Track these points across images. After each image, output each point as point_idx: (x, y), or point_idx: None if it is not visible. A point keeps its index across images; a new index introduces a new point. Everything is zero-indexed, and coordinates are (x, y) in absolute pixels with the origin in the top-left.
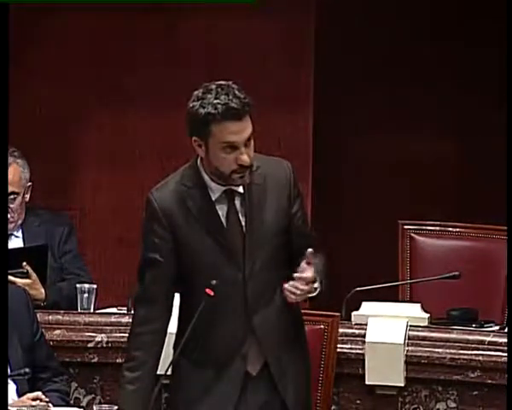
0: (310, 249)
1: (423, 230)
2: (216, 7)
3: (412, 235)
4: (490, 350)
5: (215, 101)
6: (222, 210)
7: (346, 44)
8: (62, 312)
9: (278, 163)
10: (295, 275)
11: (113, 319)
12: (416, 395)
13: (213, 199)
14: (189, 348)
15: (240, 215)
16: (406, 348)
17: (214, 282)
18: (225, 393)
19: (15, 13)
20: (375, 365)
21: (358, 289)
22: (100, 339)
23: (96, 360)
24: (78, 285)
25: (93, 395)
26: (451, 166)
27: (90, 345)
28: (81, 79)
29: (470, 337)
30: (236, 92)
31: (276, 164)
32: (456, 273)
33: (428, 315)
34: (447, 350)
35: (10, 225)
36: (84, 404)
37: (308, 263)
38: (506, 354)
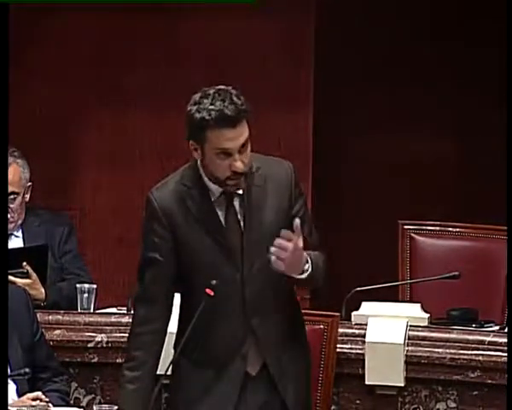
0: (297, 220)
1: (423, 230)
2: (216, 7)
3: (412, 235)
4: (490, 350)
5: (210, 107)
6: (221, 210)
7: (346, 44)
8: (62, 312)
9: (279, 164)
10: (277, 241)
11: (113, 319)
12: (416, 395)
13: (212, 199)
14: (189, 347)
15: (239, 216)
16: (406, 348)
17: (214, 282)
18: (225, 393)
19: (15, 13)
20: (375, 365)
21: (358, 289)
22: (100, 339)
23: (96, 360)
24: (78, 285)
25: (93, 395)
26: (451, 166)
27: (90, 345)
28: (81, 79)
29: (470, 337)
30: (234, 98)
31: (277, 165)
32: (456, 273)
33: (428, 315)
34: (447, 350)
35: (10, 225)
36: (84, 404)
37: (297, 234)
38: (506, 354)
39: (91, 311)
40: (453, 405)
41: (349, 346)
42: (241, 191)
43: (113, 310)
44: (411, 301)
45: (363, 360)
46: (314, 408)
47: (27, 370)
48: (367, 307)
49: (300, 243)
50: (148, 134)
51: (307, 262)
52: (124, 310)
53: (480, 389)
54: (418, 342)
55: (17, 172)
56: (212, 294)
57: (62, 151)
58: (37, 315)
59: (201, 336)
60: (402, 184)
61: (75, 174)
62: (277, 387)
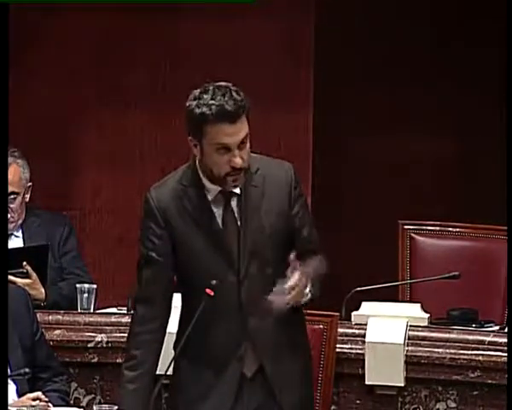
0: (291, 256)
1: (423, 230)
2: (216, 7)
3: (412, 235)
4: (490, 350)
5: (210, 102)
6: (218, 211)
7: (346, 44)
8: (62, 312)
9: (279, 165)
10: (274, 289)
11: (113, 319)
12: (416, 395)
13: (210, 199)
14: (188, 348)
15: (236, 216)
16: (406, 348)
17: (214, 282)
18: (222, 394)
19: (15, 13)
20: (375, 365)
21: (358, 289)
22: (100, 339)
23: (96, 360)
24: (78, 285)
25: (93, 395)
26: (451, 166)
27: (90, 345)
28: (81, 79)
29: (470, 337)
30: (233, 94)
31: (276, 166)
32: (456, 273)
33: (428, 315)
34: (447, 350)
35: (10, 225)
36: (84, 404)
37: (292, 269)
38: (506, 354)
39: (91, 311)
40: (453, 405)
41: (349, 346)
42: (238, 191)
43: (113, 310)
44: (411, 301)
45: (363, 360)
46: (314, 408)
47: (27, 370)
48: (367, 307)
49: (293, 283)
50: (148, 134)
51: (309, 288)
52: (124, 310)
53: (480, 389)
54: (418, 342)
55: (17, 172)
56: (212, 294)
57: (62, 151)
58: (37, 315)
59: (201, 336)
60: (402, 184)
61: (75, 174)
62: (273, 390)
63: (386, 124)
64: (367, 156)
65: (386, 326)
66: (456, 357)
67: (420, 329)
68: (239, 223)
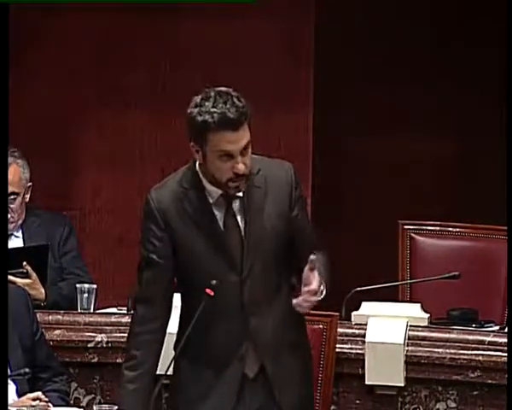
0: (312, 256)
1: (423, 230)
2: (216, 7)
3: (412, 235)
4: (490, 350)
5: (212, 109)
6: (219, 213)
7: (346, 44)
8: (62, 312)
9: (280, 165)
10: (305, 289)
11: (113, 319)
12: (416, 395)
13: (211, 202)
14: (189, 348)
15: (238, 218)
16: (406, 348)
17: (214, 282)
18: (223, 395)
19: (15, 13)
20: (375, 365)
21: (358, 289)
22: (100, 339)
23: (96, 360)
24: (78, 285)
25: (93, 395)
26: (451, 166)
27: (90, 345)
28: (81, 79)
29: (470, 337)
30: (235, 101)
31: (277, 166)
32: (456, 273)
33: (428, 315)
34: (447, 350)
35: (10, 226)
36: (84, 404)
37: (311, 269)
38: (506, 354)
39: (91, 311)
40: (453, 405)
41: (349, 346)
42: (240, 193)
43: (113, 310)
44: (411, 301)
45: (363, 360)
46: (314, 408)
47: (27, 370)
48: (367, 307)
49: (318, 284)
50: (148, 134)
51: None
52: (124, 310)
53: (480, 389)
54: (418, 342)
55: (17, 172)
56: (212, 294)
57: (62, 151)
58: (37, 315)
59: (201, 336)
60: (402, 184)
61: (75, 174)
62: (274, 390)
63: (387, 124)
64: (367, 156)
65: (386, 326)
66: (456, 357)
67: (420, 329)
68: (241, 224)
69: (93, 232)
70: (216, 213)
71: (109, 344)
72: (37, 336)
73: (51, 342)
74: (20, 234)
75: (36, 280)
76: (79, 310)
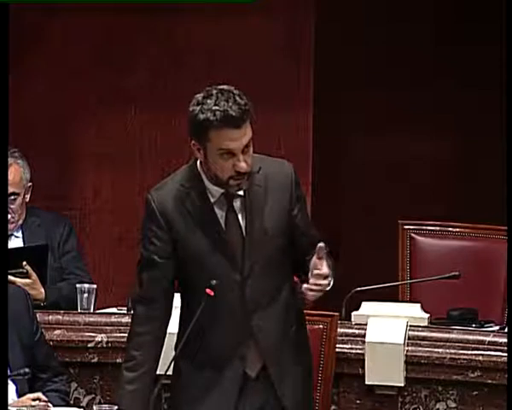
0: (321, 244)
1: (423, 230)
2: (216, 7)
3: (412, 235)
4: (490, 350)
5: (214, 107)
6: (221, 212)
7: (346, 44)
8: (62, 312)
9: (280, 165)
10: (315, 272)
11: (113, 319)
12: (416, 395)
13: (212, 201)
14: (189, 348)
15: (239, 217)
16: (406, 348)
17: (214, 282)
18: (224, 394)
19: (15, 13)
20: (375, 365)
21: (358, 289)
22: (100, 339)
23: (95, 360)
24: (78, 285)
25: (93, 395)
26: (451, 166)
27: (90, 345)
28: (81, 79)
29: (470, 337)
30: (237, 98)
31: (278, 165)
32: (456, 273)
33: (428, 315)
34: (447, 350)
35: (11, 226)
36: (84, 404)
37: (319, 258)
38: (506, 354)
39: (91, 311)
40: (453, 405)
41: (349, 346)
42: (241, 192)
43: (113, 310)
44: (411, 301)
45: (363, 360)
46: (314, 408)
47: (27, 370)
48: (367, 307)
49: (327, 269)
50: (148, 134)
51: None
52: (124, 310)
53: (480, 389)
54: (418, 342)
55: (18, 172)
56: (212, 294)
57: (62, 151)
58: (37, 315)
59: (202, 336)
60: (402, 184)
61: (75, 174)
62: (276, 389)
63: (387, 124)
64: (367, 156)
65: (386, 326)
66: (456, 357)
67: (420, 329)
68: (242, 223)
69: (93, 232)
70: (217, 212)
71: (109, 344)
72: (37, 336)
73: (51, 342)
74: (20, 234)
75: (36, 280)
76: (79, 310)
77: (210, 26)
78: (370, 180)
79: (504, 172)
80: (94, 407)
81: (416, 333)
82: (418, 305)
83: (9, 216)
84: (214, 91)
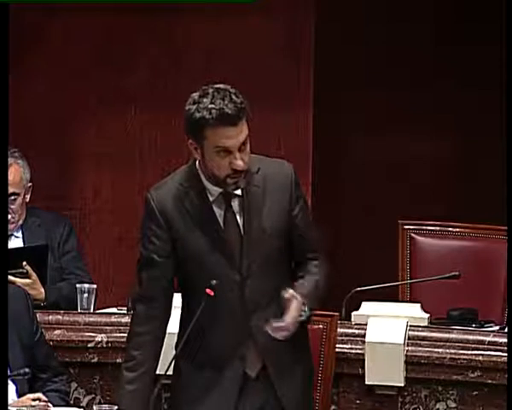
0: (285, 294)
1: (423, 230)
2: (216, 7)
3: (412, 235)
4: (490, 350)
5: (210, 105)
6: (219, 211)
7: (346, 44)
8: (62, 312)
9: (280, 165)
10: (273, 325)
11: (113, 319)
12: (416, 395)
13: (211, 200)
14: (189, 348)
15: (237, 216)
16: (406, 348)
17: (214, 282)
18: (224, 394)
19: (15, 13)
20: (375, 365)
21: (358, 289)
22: (100, 339)
23: (95, 360)
24: (78, 285)
25: (93, 395)
26: (451, 165)
27: (90, 345)
28: (81, 79)
29: (470, 337)
30: (233, 97)
31: (277, 166)
32: (456, 273)
33: (428, 315)
34: (447, 350)
35: (11, 226)
36: (84, 404)
37: (289, 303)
38: (506, 354)
39: (91, 311)
40: (453, 405)
41: (349, 346)
42: (239, 192)
43: (113, 310)
44: (411, 301)
45: (363, 360)
46: (314, 408)
47: (27, 370)
48: (367, 307)
49: (287, 322)
50: (148, 134)
51: (304, 306)
52: (124, 310)
53: (480, 389)
54: (418, 342)
55: (18, 172)
56: (212, 294)
57: (62, 151)
58: (37, 315)
59: (202, 336)
60: (402, 184)
61: (75, 174)
62: (276, 389)
63: (386, 124)
64: (367, 156)
65: (386, 326)
66: (456, 357)
67: (420, 329)
68: (240, 223)
69: (93, 232)
70: (216, 211)
71: (109, 344)
72: (37, 336)
73: (51, 342)
74: (20, 234)
75: (36, 280)
76: (79, 310)
77: (210, 26)
78: (370, 180)
79: (504, 172)
80: (94, 407)
81: (416, 333)
82: (418, 305)
83: (9, 216)
84: (210, 90)
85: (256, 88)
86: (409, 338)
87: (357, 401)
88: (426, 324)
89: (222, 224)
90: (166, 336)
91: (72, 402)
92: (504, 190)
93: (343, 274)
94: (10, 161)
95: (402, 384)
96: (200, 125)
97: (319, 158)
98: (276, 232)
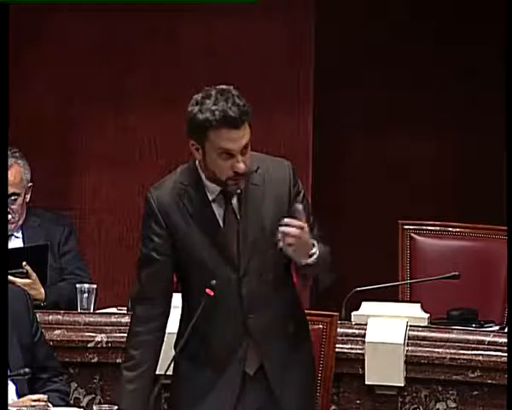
0: (297, 205)
1: (423, 230)
2: (216, 7)
3: (412, 235)
4: (490, 350)
5: (213, 107)
6: (219, 210)
7: (346, 44)
8: (62, 312)
9: (278, 163)
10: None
11: (113, 319)
12: (416, 395)
13: (210, 199)
14: (188, 347)
15: (237, 215)
16: (406, 348)
17: (214, 282)
18: (224, 393)
19: (15, 13)
20: (375, 365)
21: (358, 289)
22: (100, 339)
23: (95, 360)
24: (78, 285)
25: (93, 395)
26: (451, 165)
27: (90, 345)
28: (81, 79)
29: (470, 337)
30: (236, 99)
31: (276, 164)
32: (456, 273)
33: (428, 315)
34: (447, 350)
35: (11, 226)
36: (84, 404)
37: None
38: (506, 354)
39: (91, 311)
40: (453, 405)
41: (349, 346)
42: (239, 190)
43: (113, 310)
44: (411, 301)
45: (363, 360)
46: (314, 407)
47: (27, 370)
48: (367, 307)
49: (305, 226)
50: (148, 134)
51: (314, 246)
52: (124, 310)
53: (480, 389)
54: (418, 342)
55: (18, 173)
56: (211, 294)
57: (62, 151)
58: (37, 315)
59: (201, 335)
60: (402, 184)
61: (75, 174)
62: (274, 388)
63: (386, 124)
64: (367, 156)
65: (386, 326)
66: (456, 357)
67: (420, 329)
68: (240, 221)
69: (93, 232)
70: (215, 209)
71: (109, 344)
72: (37, 337)
73: (51, 342)
74: (20, 234)
75: (36, 280)
76: (79, 310)
77: (210, 26)
78: (370, 180)
79: (504, 172)
80: (94, 407)
81: (416, 333)
82: (418, 305)
83: (10, 216)
84: (213, 92)
85: (256, 88)
86: (409, 338)
87: (357, 401)
88: (426, 324)
89: (221, 222)
90: (166, 335)
91: (72, 402)
92: (504, 190)
93: (343, 274)
94: (11, 161)
95: (402, 384)
96: (203, 127)
97: (319, 158)
98: (274, 231)
